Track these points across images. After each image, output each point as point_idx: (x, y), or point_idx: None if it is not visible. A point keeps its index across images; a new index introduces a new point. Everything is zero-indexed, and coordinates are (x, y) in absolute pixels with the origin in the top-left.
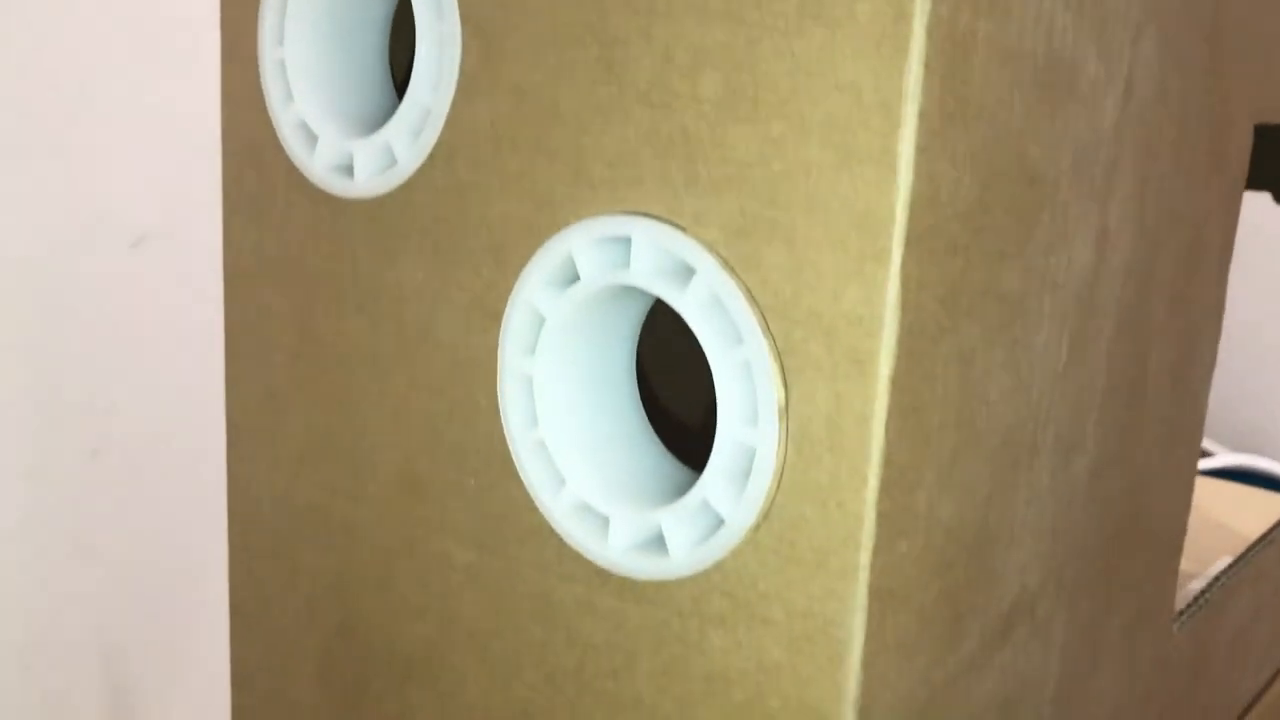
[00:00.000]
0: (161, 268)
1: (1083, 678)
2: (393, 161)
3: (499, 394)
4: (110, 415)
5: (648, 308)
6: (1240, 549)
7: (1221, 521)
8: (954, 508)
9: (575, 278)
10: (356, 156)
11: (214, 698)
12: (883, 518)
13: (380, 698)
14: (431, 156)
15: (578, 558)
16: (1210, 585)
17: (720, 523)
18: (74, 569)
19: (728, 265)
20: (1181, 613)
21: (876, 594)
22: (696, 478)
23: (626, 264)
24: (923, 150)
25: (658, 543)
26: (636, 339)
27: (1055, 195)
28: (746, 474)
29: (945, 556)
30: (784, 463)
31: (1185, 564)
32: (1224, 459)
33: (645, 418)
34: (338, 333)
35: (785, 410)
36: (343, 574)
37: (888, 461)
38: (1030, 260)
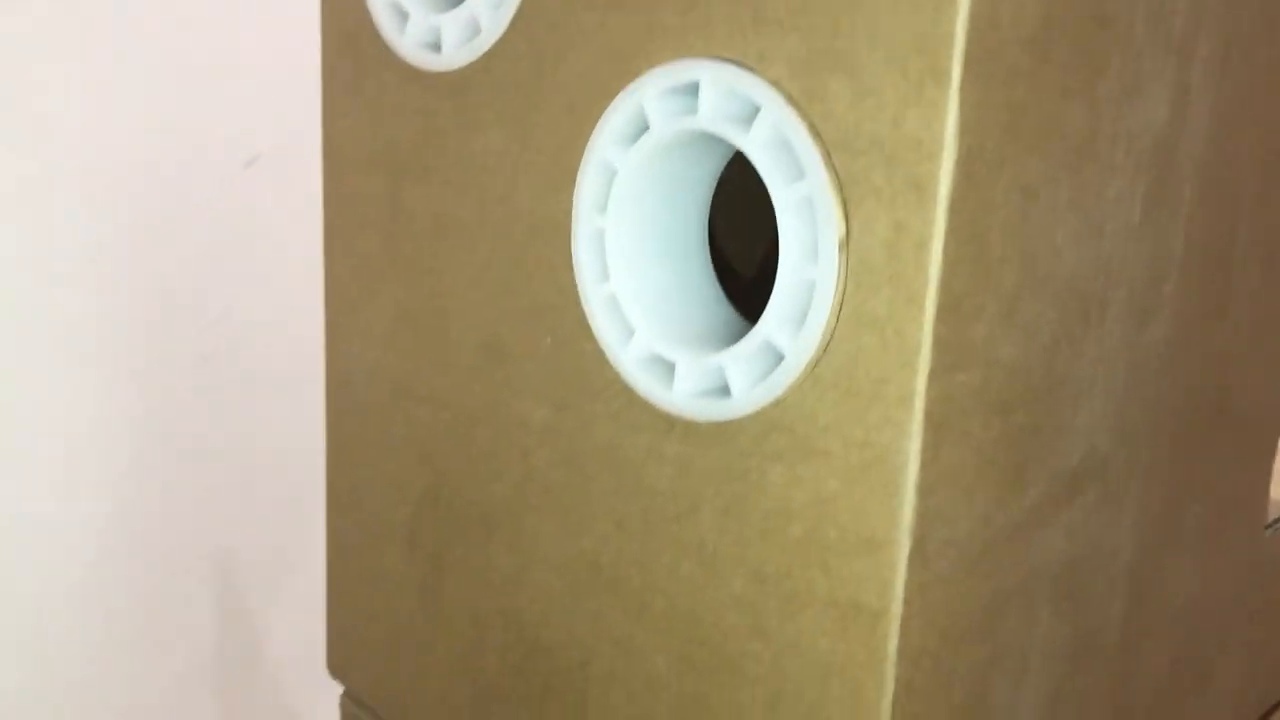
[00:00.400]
0: (273, 186)
1: (1160, 559)
2: (477, 31)
3: (573, 251)
4: (221, 323)
5: (719, 167)
6: None
7: None
8: (1016, 349)
9: (646, 129)
10: (444, 30)
11: (320, 600)
12: (940, 345)
13: (463, 560)
14: (512, 24)
15: (646, 407)
16: None
17: (780, 359)
18: (184, 471)
19: (792, 100)
20: (1277, 520)
21: (933, 422)
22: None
23: (695, 110)
24: None
25: (721, 386)
26: (709, 199)
27: (1128, 41)
28: (806, 309)
29: (1006, 397)
30: (843, 295)
31: None
32: None
33: (712, 271)
34: (425, 207)
35: (846, 242)
36: (429, 442)
37: (945, 287)
38: (1099, 104)
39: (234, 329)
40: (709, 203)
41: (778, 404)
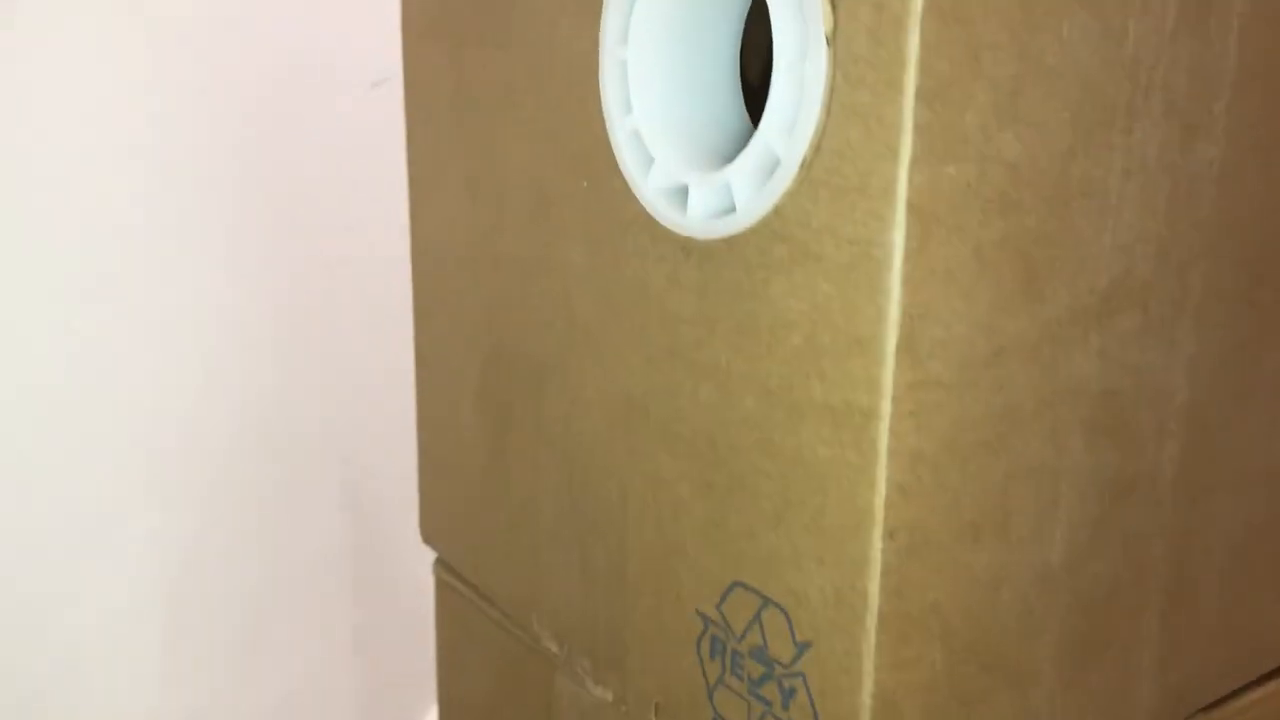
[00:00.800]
0: (400, 107)
1: (1228, 406)
2: None
3: (600, 86)
4: (350, 232)
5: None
6: None
7: None
8: (1021, 146)
9: None
10: None
11: None
12: (923, 131)
13: (523, 412)
14: None
15: (666, 236)
16: None
17: (777, 163)
18: (315, 371)
19: None
20: None
21: (917, 213)
22: None
23: None
24: None
25: (730, 204)
26: (738, 28)
27: None
28: (799, 108)
29: (1011, 197)
30: (832, 90)
31: None
32: None
33: (740, 99)
34: (484, 71)
35: (834, 35)
36: (493, 300)
37: (926, 69)
38: None
39: (362, 239)
40: (739, 32)
41: (777, 211)
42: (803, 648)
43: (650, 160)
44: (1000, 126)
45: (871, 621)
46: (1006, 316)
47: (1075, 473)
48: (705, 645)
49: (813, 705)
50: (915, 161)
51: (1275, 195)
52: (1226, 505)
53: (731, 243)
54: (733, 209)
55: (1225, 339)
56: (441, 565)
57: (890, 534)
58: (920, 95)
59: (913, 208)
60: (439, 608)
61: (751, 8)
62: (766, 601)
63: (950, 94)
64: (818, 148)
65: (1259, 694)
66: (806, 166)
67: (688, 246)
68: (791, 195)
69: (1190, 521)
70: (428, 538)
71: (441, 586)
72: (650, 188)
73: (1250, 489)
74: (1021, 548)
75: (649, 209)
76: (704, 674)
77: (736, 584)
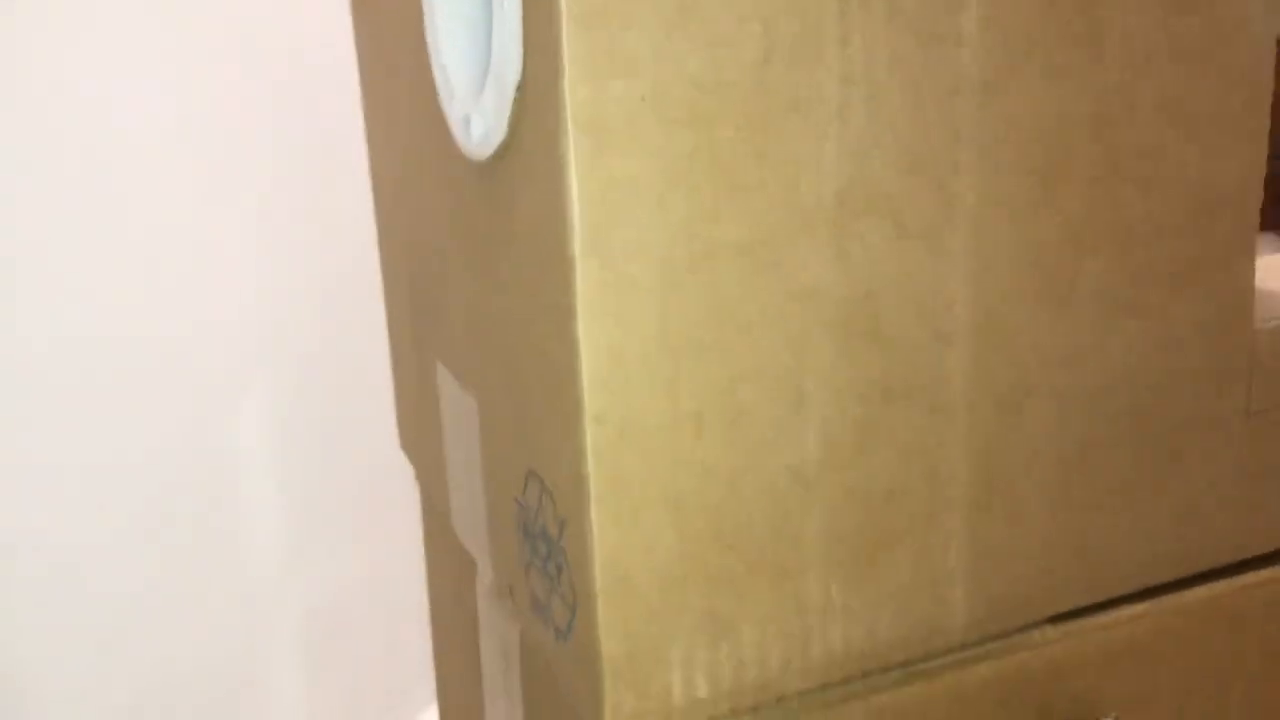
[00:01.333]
0: None
1: (1031, 317)
2: None
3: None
4: None
5: None
6: None
7: None
8: (701, 61)
9: None
10: None
11: None
12: (579, 51)
13: (428, 330)
14: None
15: (467, 162)
16: None
17: (505, 88)
18: (350, 329)
19: None
20: None
21: (585, 127)
22: None
23: None
24: None
25: (496, 128)
26: None
27: None
28: (509, 37)
29: (699, 110)
30: (524, 19)
31: None
32: None
33: None
34: (383, 32)
35: None
36: (407, 239)
37: None
38: None
39: None
40: None
41: (513, 131)
42: (562, 526)
43: (453, 93)
44: (674, 43)
45: (592, 502)
46: (710, 222)
47: (827, 375)
48: (521, 530)
49: (571, 578)
50: (575, 80)
51: (1063, 100)
52: (1046, 417)
53: (495, 164)
54: (497, 131)
55: (1019, 247)
56: (419, 479)
57: (598, 420)
58: (573, 18)
59: (579, 123)
60: (423, 519)
61: None
62: (544, 487)
63: (608, 16)
64: (523, 71)
65: (1131, 611)
66: (521, 90)
67: (476, 169)
68: (515, 115)
69: (996, 430)
70: (405, 448)
71: (421, 497)
72: (453, 117)
73: (1076, 401)
74: (763, 445)
75: (455, 137)
76: (522, 555)
77: (530, 473)
